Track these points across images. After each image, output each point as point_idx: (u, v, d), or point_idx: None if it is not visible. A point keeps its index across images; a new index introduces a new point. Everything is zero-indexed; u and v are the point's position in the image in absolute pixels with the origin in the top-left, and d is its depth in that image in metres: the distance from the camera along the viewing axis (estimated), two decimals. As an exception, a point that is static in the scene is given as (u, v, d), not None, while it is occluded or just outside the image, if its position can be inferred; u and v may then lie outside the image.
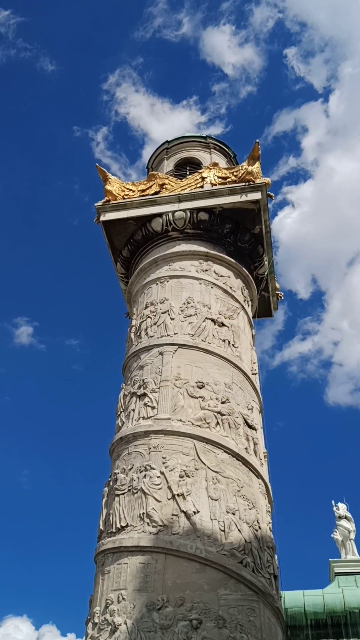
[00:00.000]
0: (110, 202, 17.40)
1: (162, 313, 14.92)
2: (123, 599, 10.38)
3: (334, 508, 21.88)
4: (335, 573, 19.35)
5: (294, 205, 53.18)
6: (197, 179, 17.34)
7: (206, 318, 14.68)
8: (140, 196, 17.31)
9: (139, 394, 13.46)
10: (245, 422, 13.27)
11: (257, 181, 16.75)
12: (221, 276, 16.06)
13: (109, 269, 18.91)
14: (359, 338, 52.39)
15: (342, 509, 21.81)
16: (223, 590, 10.29)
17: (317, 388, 52.11)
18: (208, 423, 12.60)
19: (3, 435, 49.11)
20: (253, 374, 15.04)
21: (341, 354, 53.24)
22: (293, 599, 18.08)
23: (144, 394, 13.31)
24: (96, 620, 10.60)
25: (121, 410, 14.00)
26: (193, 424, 12.51)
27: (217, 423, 12.70)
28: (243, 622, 9.99)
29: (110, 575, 11.00)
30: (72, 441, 51.55)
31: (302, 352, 52.12)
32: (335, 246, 53.61)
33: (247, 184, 16.70)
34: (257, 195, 16.60)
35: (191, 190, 17.03)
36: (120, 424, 13.66)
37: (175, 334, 14.32)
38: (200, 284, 15.60)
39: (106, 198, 17.54)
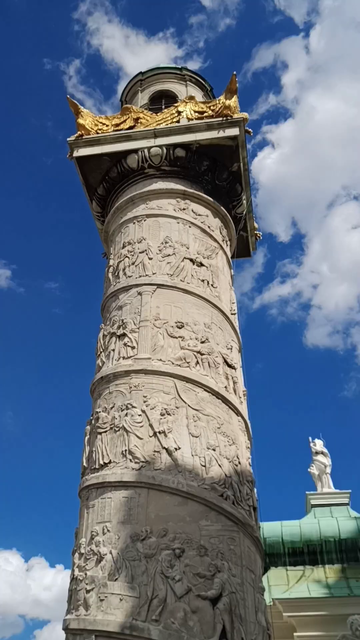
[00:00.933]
0: (84, 137, 16.64)
1: (139, 253, 14.63)
2: (108, 530, 10.66)
3: (311, 444, 22.59)
4: (312, 505, 20.21)
5: (274, 145, 52.35)
6: (173, 114, 16.65)
7: (184, 258, 14.45)
8: (114, 131, 16.58)
9: (118, 334, 13.36)
10: (225, 361, 13.33)
11: (235, 116, 16.14)
12: (199, 215, 15.72)
13: (86, 209, 18.40)
14: (338, 281, 52.91)
15: (318, 444, 22.55)
16: (204, 522, 10.60)
17: (296, 330, 53.02)
18: (188, 362, 12.62)
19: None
20: (232, 314, 15.00)
21: (320, 296, 53.89)
22: (271, 529, 18.92)
23: (124, 334, 13.22)
24: (82, 551, 10.88)
25: (101, 350, 13.90)
26: (173, 364, 12.52)
27: (197, 362, 12.73)
28: (224, 551, 10.36)
29: (95, 509, 11.22)
30: (53, 382, 52.07)
31: (281, 295, 52.64)
32: (315, 187, 53.25)
33: (224, 119, 16.09)
34: (234, 131, 16.04)
35: (167, 125, 16.37)
36: (100, 364, 13.59)
37: (153, 273, 14.10)
38: (178, 223, 15.24)
39: (79, 132, 16.77)
